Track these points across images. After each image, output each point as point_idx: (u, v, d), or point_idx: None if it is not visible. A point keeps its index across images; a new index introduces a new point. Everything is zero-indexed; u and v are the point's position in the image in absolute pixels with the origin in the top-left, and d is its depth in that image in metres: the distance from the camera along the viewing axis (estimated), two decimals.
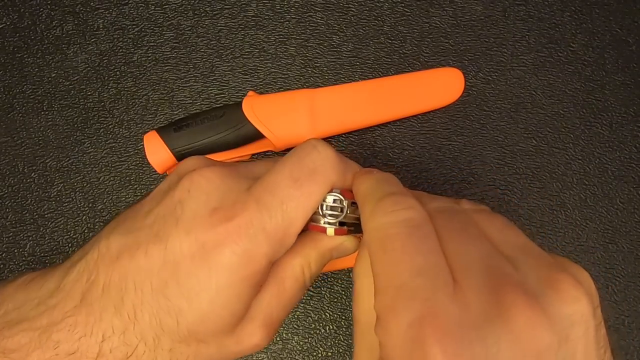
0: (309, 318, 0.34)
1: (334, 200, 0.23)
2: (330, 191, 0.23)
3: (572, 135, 0.36)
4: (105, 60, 0.36)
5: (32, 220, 0.35)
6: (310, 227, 0.23)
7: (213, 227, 0.21)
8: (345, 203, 0.23)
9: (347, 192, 0.23)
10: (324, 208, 0.23)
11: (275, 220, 0.21)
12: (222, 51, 0.36)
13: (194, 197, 0.22)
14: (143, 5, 0.36)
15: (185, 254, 0.21)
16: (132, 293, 0.21)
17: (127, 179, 0.35)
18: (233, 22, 0.36)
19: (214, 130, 0.32)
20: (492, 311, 0.16)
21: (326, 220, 0.23)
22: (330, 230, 0.23)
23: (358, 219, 0.22)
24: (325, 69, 0.36)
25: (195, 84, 0.36)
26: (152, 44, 0.36)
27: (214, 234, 0.21)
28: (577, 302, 0.17)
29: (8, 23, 0.36)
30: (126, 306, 0.21)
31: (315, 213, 0.23)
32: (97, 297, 0.21)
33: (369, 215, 0.20)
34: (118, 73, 0.36)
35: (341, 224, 0.23)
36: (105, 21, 0.36)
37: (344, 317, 0.34)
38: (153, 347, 0.21)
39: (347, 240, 0.25)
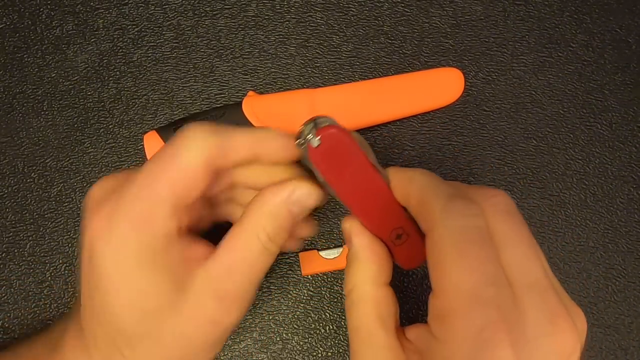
0: (309, 318, 0.34)
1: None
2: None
3: (572, 135, 0.36)
4: (105, 60, 0.36)
5: (32, 220, 0.35)
6: None
7: (85, 226, 0.23)
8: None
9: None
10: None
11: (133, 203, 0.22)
12: (222, 51, 0.36)
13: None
14: (143, 5, 0.36)
15: (83, 258, 0.23)
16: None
17: None
18: (233, 22, 0.36)
19: None
20: (546, 327, 0.18)
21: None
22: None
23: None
24: (325, 69, 0.36)
25: (195, 84, 0.36)
26: (152, 44, 0.36)
27: (86, 233, 0.23)
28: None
29: (8, 23, 0.36)
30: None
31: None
32: None
33: (441, 212, 0.20)
34: (118, 73, 0.36)
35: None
36: (105, 21, 0.36)
37: (343, 317, 0.34)
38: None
39: (299, 188, 0.24)
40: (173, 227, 0.22)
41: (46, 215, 0.35)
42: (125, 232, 0.22)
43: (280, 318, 0.34)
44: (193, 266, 0.23)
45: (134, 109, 0.36)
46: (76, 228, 0.35)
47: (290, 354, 0.34)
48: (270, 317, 0.34)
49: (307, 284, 0.35)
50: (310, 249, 0.34)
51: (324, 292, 0.34)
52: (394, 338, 0.22)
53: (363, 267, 0.24)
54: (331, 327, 0.34)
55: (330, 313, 0.34)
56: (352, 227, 0.24)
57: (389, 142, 0.36)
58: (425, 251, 0.21)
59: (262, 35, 0.36)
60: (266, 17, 0.36)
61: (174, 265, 0.22)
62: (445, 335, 0.19)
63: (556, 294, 0.19)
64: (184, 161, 0.22)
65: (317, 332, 0.34)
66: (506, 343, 0.17)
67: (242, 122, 0.33)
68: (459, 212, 0.20)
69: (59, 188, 0.35)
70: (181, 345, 0.23)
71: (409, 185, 0.23)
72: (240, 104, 0.33)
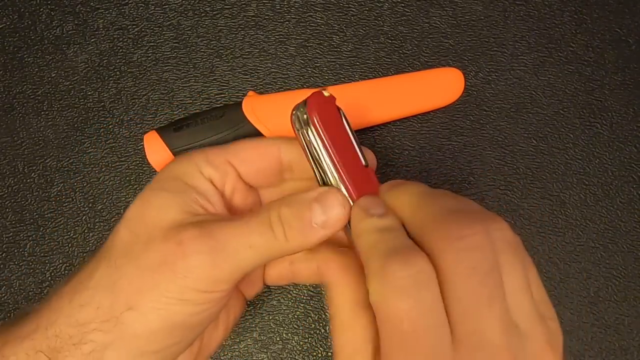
0: (309, 318, 0.34)
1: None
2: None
3: (572, 135, 0.36)
4: (105, 60, 0.36)
5: (32, 220, 0.35)
6: None
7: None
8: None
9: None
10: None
11: None
12: (222, 51, 0.36)
13: None
14: (143, 5, 0.36)
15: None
16: None
17: (127, 179, 0.35)
18: (233, 22, 0.36)
19: (214, 130, 0.32)
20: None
21: None
22: None
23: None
24: (325, 69, 0.36)
25: (195, 84, 0.36)
26: (152, 44, 0.36)
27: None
28: None
29: (8, 23, 0.36)
30: None
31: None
32: None
33: (373, 280, 0.19)
34: (118, 73, 0.36)
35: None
36: (105, 21, 0.36)
37: None
38: None
39: (330, 194, 0.23)
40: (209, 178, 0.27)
41: (46, 215, 0.35)
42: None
43: (280, 318, 0.34)
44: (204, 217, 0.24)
45: (134, 109, 0.36)
46: (76, 228, 0.35)
47: (290, 354, 0.34)
48: (270, 317, 0.34)
49: (307, 284, 0.35)
50: None
51: (324, 292, 0.34)
52: None
53: (338, 290, 0.23)
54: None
55: None
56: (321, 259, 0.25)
57: (389, 142, 0.36)
58: None
59: (262, 35, 0.36)
60: (266, 17, 0.36)
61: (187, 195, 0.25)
62: None
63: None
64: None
65: (317, 332, 0.34)
66: None
67: (242, 122, 0.32)
68: (469, 244, 0.18)
69: (59, 188, 0.35)
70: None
71: (402, 194, 0.22)
72: (240, 104, 0.33)
